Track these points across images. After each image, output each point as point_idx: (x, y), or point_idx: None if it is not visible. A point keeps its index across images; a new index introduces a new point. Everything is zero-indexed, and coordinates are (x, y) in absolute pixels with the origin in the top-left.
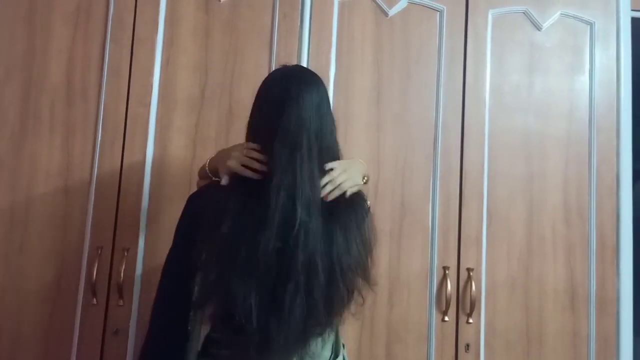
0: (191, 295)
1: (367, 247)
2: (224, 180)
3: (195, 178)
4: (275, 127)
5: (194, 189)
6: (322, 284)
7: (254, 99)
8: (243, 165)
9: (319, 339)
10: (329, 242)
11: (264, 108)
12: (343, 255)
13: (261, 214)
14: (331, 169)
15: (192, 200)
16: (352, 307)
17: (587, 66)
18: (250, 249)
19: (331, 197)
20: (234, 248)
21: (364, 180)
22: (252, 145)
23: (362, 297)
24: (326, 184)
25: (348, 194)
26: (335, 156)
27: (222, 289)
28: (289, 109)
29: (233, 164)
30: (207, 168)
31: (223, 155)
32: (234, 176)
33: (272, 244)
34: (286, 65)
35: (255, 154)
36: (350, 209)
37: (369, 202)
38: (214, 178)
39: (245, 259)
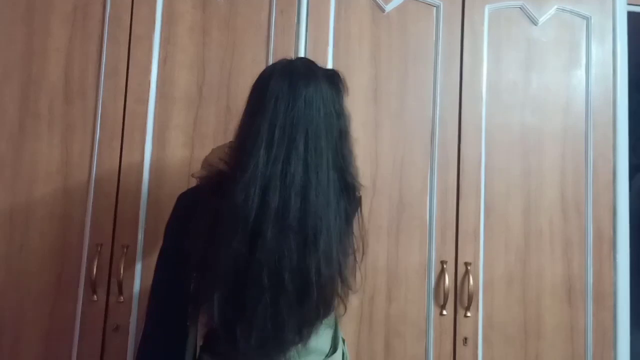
0: (184, 293)
1: (346, 255)
2: (197, 173)
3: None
4: (259, 126)
5: (193, 185)
6: (291, 296)
7: (253, 93)
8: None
9: (315, 333)
10: (306, 251)
11: (253, 105)
12: (322, 267)
13: (235, 218)
14: None
15: (183, 200)
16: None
17: (584, 61)
18: (223, 255)
19: None
20: (211, 254)
21: None
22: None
23: (345, 306)
24: None
25: None
26: (339, 151)
27: (205, 294)
28: (292, 107)
29: (210, 156)
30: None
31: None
32: (218, 176)
33: (243, 249)
34: (285, 59)
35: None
36: (334, 211)
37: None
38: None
39: (218, 266)
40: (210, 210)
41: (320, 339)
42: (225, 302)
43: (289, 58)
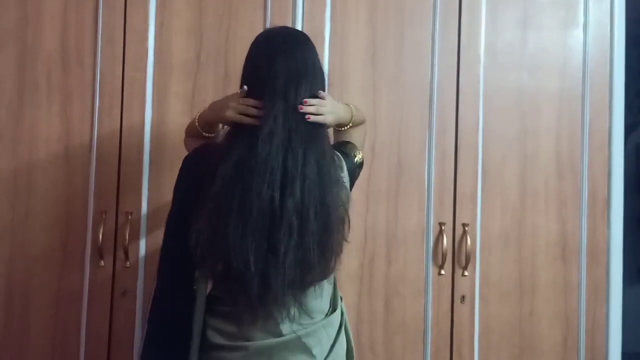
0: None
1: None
2: (221, 137)
3: None
4: (265, 79)
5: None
6: (315, 231)
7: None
8: (241, 114)
9: (316, 293)
10: (323, 191)
11: (254, 64)
12: (337, 206)
13: (251, 164)
14: (321, 97)
15: (189, 162)
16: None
17: (581, 20)
18: (242, 198)
19: (311, 119)
20: (227, 199)
21: (349, 125)
22: (244, 93)
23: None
24: (312, 105)
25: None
26: None
27: (219, 239)
28: (278, 62)
29: (231, 113)
30: (197, 124)
31: (216, 107)
32: (228, 132)
33: (264, 192)
34: (274, 27)
35: (251, 101)
36: (334, 162)
37: (359, 156)
38: (204, 134)
39: (239, 209)
40: (225, 164)
41: (322, 299)
42: (257, 247)
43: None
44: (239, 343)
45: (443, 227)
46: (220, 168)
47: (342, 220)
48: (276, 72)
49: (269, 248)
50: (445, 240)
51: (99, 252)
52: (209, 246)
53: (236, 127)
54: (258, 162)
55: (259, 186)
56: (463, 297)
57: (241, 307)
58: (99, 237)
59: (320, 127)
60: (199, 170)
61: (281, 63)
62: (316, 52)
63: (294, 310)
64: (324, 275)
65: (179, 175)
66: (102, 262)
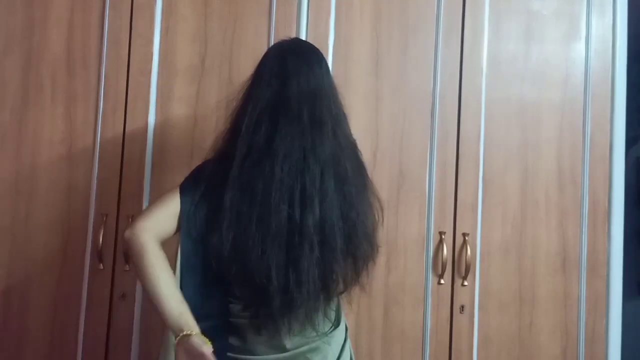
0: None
1: (373, 210)
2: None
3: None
4: (278, 101)
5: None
6: (339, 245)
7: (253, 72)
8: None
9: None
10: (347, 207)
11: (265, 82)
12: (364, 217)
13: (268, 184)
14: None
15: (200, 170)
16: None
17: (584, 34)
18: (261, 216)
19: None
20: (245, 217)
21: None
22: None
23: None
24: None
25: None
26: (343, 124)
27: (241, 254)
28: (291, 85)
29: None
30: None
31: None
32: (227, 147)
33: (282, 210)
34: (284, 40)
35: None
36: (360, 175)
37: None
38: None
39: (258, 226)
40: (239, 180)
41: (327, 314)
42: (278, 262)
43: (291, 38)
44: (243, 357)
45: (443, 237)
46: (233, 189)
47: (370, 233)
48: (290, 94)
49: (289, 263)
50: (445, 250)
51: (98, 255)
52: (230, 261)
53: (243, 145)
54: (274, 181)
55: (277, 204)
56: (462, 307)
57: (261, 318)
58: (99, 240)
59: (343, 147)
60: (209, 179)
61: (295, 86)
62: (328, 69)
63: (306, 323)
64: (356, 284)
65: (188, 180)
66: (102, 265)
